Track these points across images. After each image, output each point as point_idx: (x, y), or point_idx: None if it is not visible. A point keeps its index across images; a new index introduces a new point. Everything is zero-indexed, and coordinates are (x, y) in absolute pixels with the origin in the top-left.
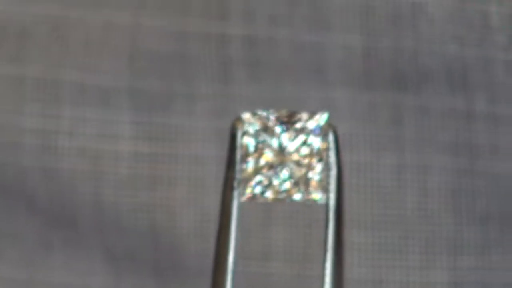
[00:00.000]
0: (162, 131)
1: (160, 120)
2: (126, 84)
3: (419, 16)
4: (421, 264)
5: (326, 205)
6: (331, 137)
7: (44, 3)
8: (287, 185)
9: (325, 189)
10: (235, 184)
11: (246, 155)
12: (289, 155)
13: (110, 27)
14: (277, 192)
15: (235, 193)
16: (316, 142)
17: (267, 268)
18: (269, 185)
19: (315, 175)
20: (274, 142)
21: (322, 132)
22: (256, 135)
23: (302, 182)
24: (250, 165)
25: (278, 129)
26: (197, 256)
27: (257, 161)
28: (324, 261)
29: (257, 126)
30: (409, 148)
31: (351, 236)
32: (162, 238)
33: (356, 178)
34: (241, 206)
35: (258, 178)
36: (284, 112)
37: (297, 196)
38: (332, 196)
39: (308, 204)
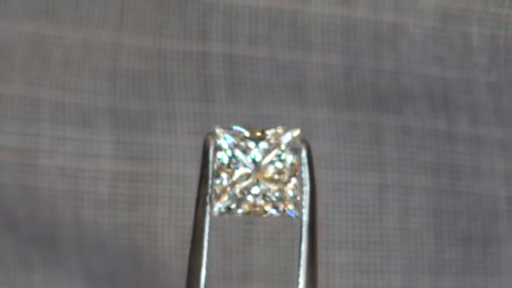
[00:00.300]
0: (143, 150)
1: (141, 140)
2: (107, 103)
3: (400, 36)
4: (403, 284)
5: (300, 220)
6: (303, 153)
7: (24, 20)
8: (260, 200)
9: (298, 205)
10: (208, 199)
11: (219, 170)
12: (262, 170)
13: (89, 46)
14: (251, 205)
15: (208, 209)
16: (289, 157)
17: None
18: (243, 199)
19: (288, 191)
20: (247, 157)
21: (295, 147)
22: (229, 150)
23: (275, 198)
24: (223, 181)
25: (251, 144)
26: (178, 276)
27: (230, 176)
28: (297, 277)
29: (230, 141)
30: (390, 168)
31: (332, 256)
32: (143, 258)
33: (337, 198)
34: (221, 225)
35: (232, 192)
36: (257, 128)
37: (271, 211)
38: (306, 211)
39: (282, 218)
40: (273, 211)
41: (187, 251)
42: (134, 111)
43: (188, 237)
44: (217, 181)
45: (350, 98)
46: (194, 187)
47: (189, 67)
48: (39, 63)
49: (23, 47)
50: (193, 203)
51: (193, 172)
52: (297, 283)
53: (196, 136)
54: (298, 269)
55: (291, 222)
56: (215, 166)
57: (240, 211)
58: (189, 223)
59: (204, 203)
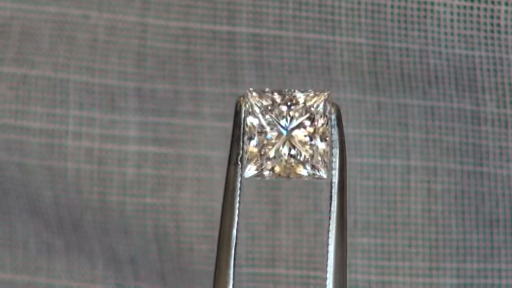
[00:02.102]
0: (169, 131)
1: (166, 121)
2: (133, 84)
3: (426, 16)
4: (427, 266)
5: (330, 182)
6: (333, 115)
7: (50, 3)
8: (291, 162)
9: (328, 166)
10: (239, 159)
11: (250, 132)
12: (293, 133)
13: (116, 26)
14: (282, 167)
15: (239, 169)
16: (319, 120)
17: (273, 271)
18: (274, 161)
19: (318, 153)
20: (278, 120)
21: (325, 110)
22: (260, 113)
23: (306, 160)
24: (254, 143)
25: (282, 107)
26: (203, 259)
27: (261, 138)
28: (328, 231)
29: (261, 103)
30: (416, 150)
31: (356, 237)
32: (168, 239)
33: (364, 180)
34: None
35: (263, 155)
36: (288, 91)
37: (302, 172)
38: (335, 173)
39: (313, 181)
40: (304, 172)
41: (212, 233)
42: (161, 92)
43: (214, 218)
44: (249, 143)
45: (377, 79)
46: (220, 168)
47: (216, 47)
48: (65, 45)
49: (49, 29)
50: (219, 185)
51: (219, 153)
52: (328, 244)
53: (222, 117)
54: (328, 232)
55: (315, 209)
56: (246, 128)
57: (270, 173)
58: (214, 205)
59: (236, 163)
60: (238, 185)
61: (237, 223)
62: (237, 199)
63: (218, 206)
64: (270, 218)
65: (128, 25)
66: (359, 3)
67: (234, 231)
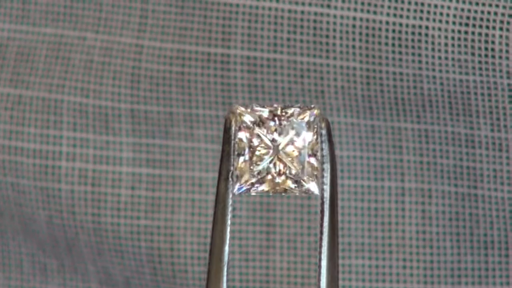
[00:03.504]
0: (163, 153)
1: (160, 142)
2: (127, 106)
3: (421, 40)
4: None
5: (321, 196)
6: (323, 130)
7: (45, 23)
8: (281, 178)
9: (319, 181)
10: (230, 176)
11: (240, 148)
12: (283, 148)
13: (111, 48)
14: (273, 183)
15: (230, 185)
16: (308, 135)
17: None
18: (264, 177)
19: (308, 168)
20: (268, 136)
21: (315, 125)
22: (249, 128)
23: (296, 175)
24: (244, 158)
25: (271, 122)
26: (197, 281)
27: (251, 154)
28: (320, 247)
29: (250, 119)
30: (410, 172)
31: (350, 259)
32: (162, 261)
33: (356, 202)
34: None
35: (253, 171)
36: (277, 106)
37: (291, 186)
38: (327, 188)
39: (304, 196)
40: (294, 189)
41: (205, 255)
42: (155, 114)
43: (207, 240)
44: (239, 160)
45: (370, 102)
46: (214, 190)
47: (210, 70)
48: (61, 66)
49: (45, 50)
50: (213, 206)
51: (213, 175)
52: (319, 259)
53: (216, 139)
54: (320, 247)
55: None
56: (236, 145)
57: (261, 189)
58: (208, 226)
59: (226, 180)
60: (229, 201)
61: (229, 239)
62: (228, 215)
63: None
64: (264, 240)
65: (123, 47)
66: (353, 26)
67: (226, 247)
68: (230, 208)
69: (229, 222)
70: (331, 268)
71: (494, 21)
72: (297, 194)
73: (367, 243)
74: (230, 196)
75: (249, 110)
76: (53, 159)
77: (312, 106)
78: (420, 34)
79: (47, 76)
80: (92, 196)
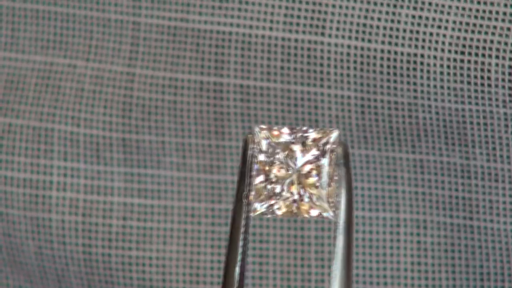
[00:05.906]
0: (155, 182)
1: (152, 172)
2: (119, 135)
3: (416, 69)
4: None
5: (336, 222)
6: (340, 155)
7: (34, 51)
8: (297, 201)
9: (334, 207)
10: (244, 197)
11: (257, 170)
12: (300, 171)
13: (102, 77)
14: (287, 206)
15: (245, 206)
16: (326, 159)
17: None
18: (279, 200)
19: (325, 193)
20: (285, 159)
21: (332, 149)
22: (267, 150)
23: (313, 199)
24: (260, 179)
25: (290, 145)
26: None
27: (268, 176)
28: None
29: (269, 141)
30: (405, 203)
31: None
32: None
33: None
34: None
35: (269, 193)
36: (296, 129)
37: (311, 212)
38: (342, 213)
39: (318, 220)
40: (311, 212)
41: (198, 286)
42: (146, 143)
43: (199, 271)
44: (256, 181)
45: (365, 132)
46: (206, 220)
47: (203, 99)
48: (51, 94)
49: (35, 78)
50: (204, 237)
51: (206, 205)
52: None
53: (208, 169)
54: (334, 272)
55: (302, 262)
56: (253, 166)
57: (278, 211)
58: (200, 257)
59: (242, 201)
60: (242, 222)
61: (243, 261)
62: (241, 236)
63: (205, 258)
64: (257, 271)
65: (114, 75)
66: (348, 54)
67: (237, 268)
68: (242, 229)
69: (240, 243)
70: None
71: (490, 49)
72: (314, 218)
73: (361, 274)
74: (243, 217)
75: (267, 131)
76: (43, 188)
77: (331, 129)
78: (415, 62)
79: (37, 105)
80: (83, 227)
